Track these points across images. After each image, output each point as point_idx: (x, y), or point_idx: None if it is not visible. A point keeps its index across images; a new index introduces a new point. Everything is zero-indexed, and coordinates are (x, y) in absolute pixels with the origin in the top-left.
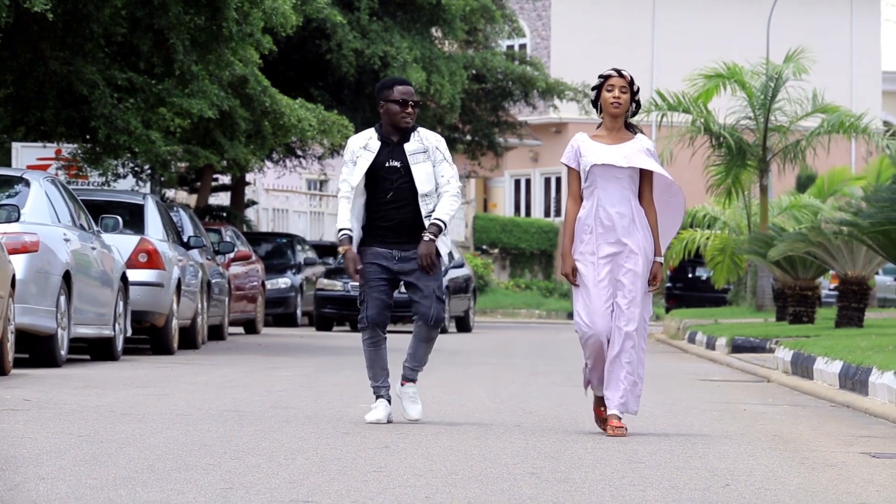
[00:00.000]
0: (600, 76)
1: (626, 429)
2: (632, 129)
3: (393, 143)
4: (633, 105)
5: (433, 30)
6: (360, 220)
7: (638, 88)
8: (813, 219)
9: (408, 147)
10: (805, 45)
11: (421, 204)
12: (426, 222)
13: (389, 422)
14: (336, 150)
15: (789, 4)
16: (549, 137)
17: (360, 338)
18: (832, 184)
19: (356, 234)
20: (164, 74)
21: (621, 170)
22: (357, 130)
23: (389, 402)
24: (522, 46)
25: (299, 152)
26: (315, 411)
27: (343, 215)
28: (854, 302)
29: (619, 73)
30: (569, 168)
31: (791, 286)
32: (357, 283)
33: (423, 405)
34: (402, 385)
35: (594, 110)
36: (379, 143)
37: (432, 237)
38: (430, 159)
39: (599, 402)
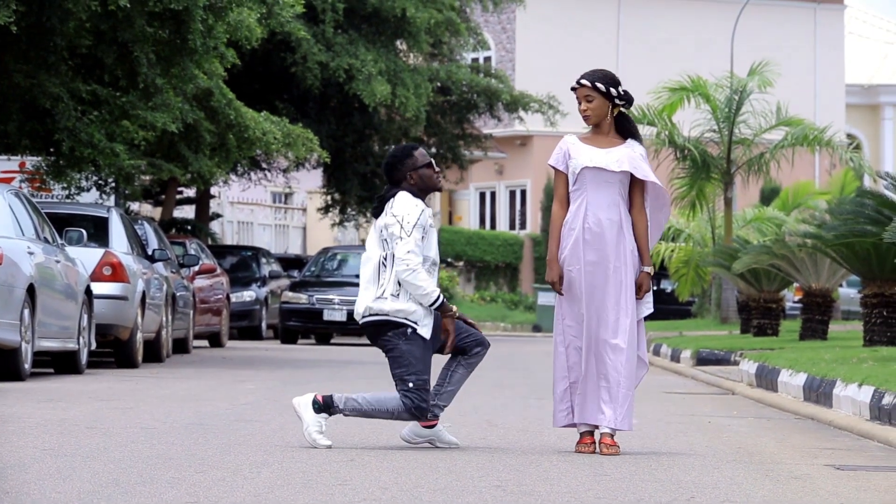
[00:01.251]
0: (572, 88)
1: (619, 447)
2: (626, 132)
3: None
4: (617, 101)
5: (398, 42)
6: None
7: (607, 87)
8: (777, 231)
9: None
10: (769, 57)
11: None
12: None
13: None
14: (301, 162)
15: (753, 17)
16: (514, 150)
17: (396, 410)
18: (797, 197)
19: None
20: (128, 87)
21: (613, 174)
22: (322, 144)
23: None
24: (487, 59)
25: (264, 165)
26: (280, 424)
27: (430, 281)
28: (818, 314)
29: (580, 83)
30: (556, 170)
31: (755, 299)
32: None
33: None
34: (433, 425)
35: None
36: (431, 213)
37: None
38: None
39: (586, 433)
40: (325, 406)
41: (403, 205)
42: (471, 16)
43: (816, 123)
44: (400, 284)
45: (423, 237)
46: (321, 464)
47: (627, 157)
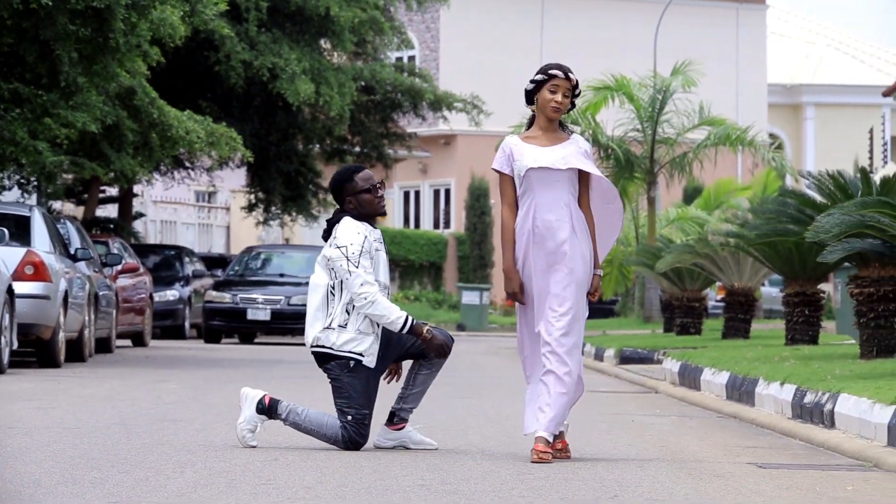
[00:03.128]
0: (545, 72)
1: (552, 454)
2: (565, 129)
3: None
4: (573, 100)
5: (322, 41)
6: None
7: (579, 92)
8: (700, 231)
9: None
10: (692, 56)
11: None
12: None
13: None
14: (224, 161)
15: (677, 16)
16: (438, 149)
17: (333, 438)
18: (718, 195)
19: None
20: (50, 86)
21: (560, 172)
22: (246, 143)
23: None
24: (411, 58)
25: (188, 164)
26: (204, 424)
27: (392, 305)
28: (740, 313)
29: (567, 76)
30: (501, 174)
31: (678, 298)
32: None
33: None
34: (402, 428)
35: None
36: (379, 234)
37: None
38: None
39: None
40: (268, 409)
41: (346, 234)
42: (395, 15)
43: (739, 123)
44: (349, 314)
45: (370, 262)
46: (245, 463)
47: (573, 153)
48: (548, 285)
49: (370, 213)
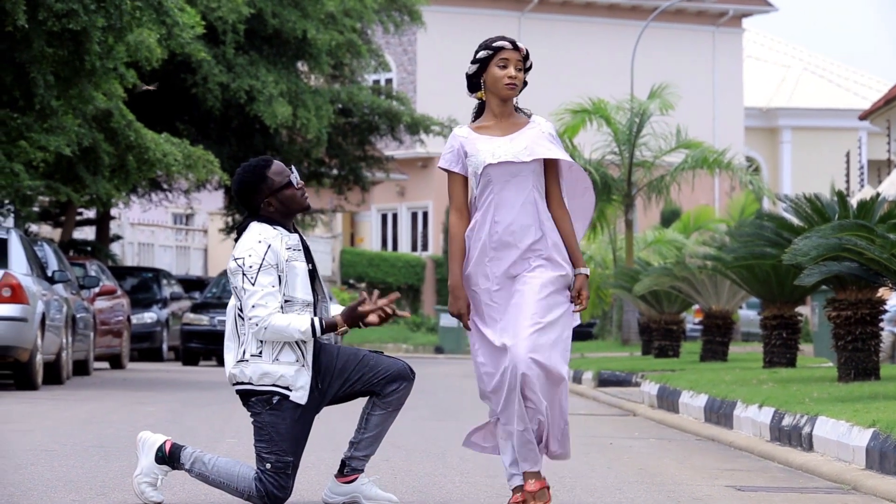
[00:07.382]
0: (488, 46)
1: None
2: (520, 110)
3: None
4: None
5: (299, 64)
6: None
7: (531, 64)
8: (677, 253)
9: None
10: (669, 80)
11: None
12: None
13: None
14: (202, 184)
15: (653, 39)
16: (415, 172)
17: (246, 492)
18: (697, 221)
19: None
20: (26, 108)
21: (523, 166)
22: (223, 165)
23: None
24: (389, 81)
25: (165, 186)
26: None
27: (291, 318)
28: (718, 336)
29: (515, 46)
30: (450, 173)
31: (656, 320)
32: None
33: None
34: (353, 480)
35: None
36: (297, 239)
37: None
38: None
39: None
40: (169, 458)
41: (245, 242)
42: (372, 38)
43: (716, 146)
44: (262, 340)
45: (280, 277)
46: None
47: (536, 138)
48: (513, 298)
49: (295, 210)
